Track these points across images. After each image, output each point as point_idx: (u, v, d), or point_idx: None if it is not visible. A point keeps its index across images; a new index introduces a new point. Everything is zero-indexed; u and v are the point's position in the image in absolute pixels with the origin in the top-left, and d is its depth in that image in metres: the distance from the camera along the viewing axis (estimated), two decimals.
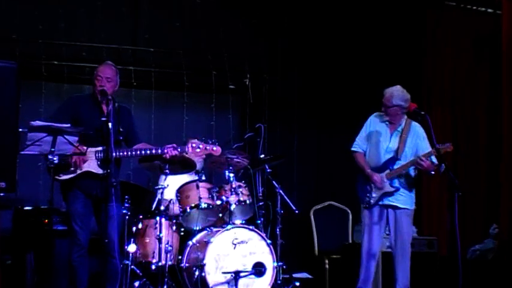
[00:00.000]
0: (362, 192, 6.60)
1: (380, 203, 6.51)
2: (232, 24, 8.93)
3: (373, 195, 6.51)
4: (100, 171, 5.95)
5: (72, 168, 6.00)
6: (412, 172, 6.58)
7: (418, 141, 6.56)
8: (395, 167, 6.50)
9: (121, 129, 5.86)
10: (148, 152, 6.13)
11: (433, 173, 6.45)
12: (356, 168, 6.68)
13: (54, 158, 5.66)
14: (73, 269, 6.06)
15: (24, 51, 8.01)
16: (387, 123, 6.61)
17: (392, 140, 6.58)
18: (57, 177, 5.97)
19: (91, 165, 6.02)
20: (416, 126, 6.62)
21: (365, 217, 6.60)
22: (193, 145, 6.24)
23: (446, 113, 9.26)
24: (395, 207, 6.50)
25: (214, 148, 6.37)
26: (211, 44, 8.80)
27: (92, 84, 6.22)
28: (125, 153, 6.09)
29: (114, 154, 5.72)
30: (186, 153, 6.42)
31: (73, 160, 5.98)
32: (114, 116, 5.76)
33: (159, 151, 6.15)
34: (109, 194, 5.64)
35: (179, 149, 6.20)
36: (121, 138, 5.98)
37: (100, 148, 6.00)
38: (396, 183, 6.50)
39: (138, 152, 6.12)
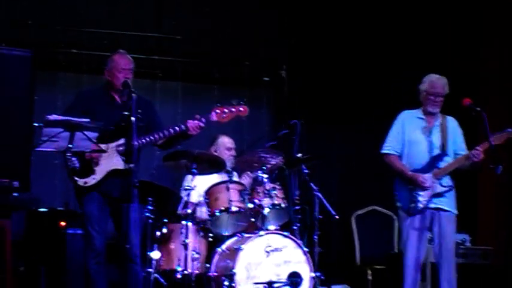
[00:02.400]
0: (404, 199, 6.54)
1: (428, 205, 6.45)
2: (267, 8, 8.90)
3: (420, 198, 6.44)
4: (126, 166, 5.92)
5: (96, 169, 5.99)
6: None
7: (457, 138, 6.58)
8: (442, 164, 6.45)
9: (139, 116, 5.80)
10: (171, 130, 6.10)
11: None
12: (392, 172, 6.63)
13: (75, 162, 5.69)
14: (90, 277, 6.09)
15: (39, 39, 8.05)
16: (424, 118, 6.59)
17: (433, 135, 6.56)
18: (82, 184, 5.99)
19: (114, 162, 6.03)
20: (453, 121, 6.65)
21: (406, 223, 6.54)
22: (218, 111, 6.21)
23: (502, 108, 9.09)
24: (439, 210, 6.46)
25: (241, 109, 6.33)
26: (243, 32, 8.79)
27: (110, 75, 6.20)
28: (147, 139, 6.05)
29: (136, 143, 5.68)
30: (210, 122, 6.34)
31: (90, 159, 6.00)
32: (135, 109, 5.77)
33: (183, 127, 6.11)
34: (131, 194, 5.62)
35: (203, 120, 6.17)
36: (141, 124, 5.95)
37: (121, 141, 6.01)
38: (447, 181, 6.43)
39: (161, 134, 6.09)
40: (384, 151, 6.70)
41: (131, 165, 5.77)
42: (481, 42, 9.23)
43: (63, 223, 7.34)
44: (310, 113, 8.89)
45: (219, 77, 8.68)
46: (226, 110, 6.22)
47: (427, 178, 6.43)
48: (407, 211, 6.51)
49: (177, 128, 6.12)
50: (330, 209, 7.24)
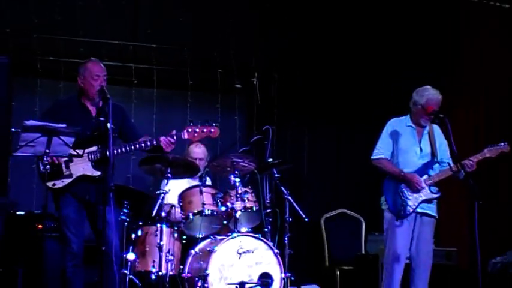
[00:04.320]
0: (394, 203, 6.42)
1: (415, 210, 6.41)
2: (239, 19, 8.93)
3: (409, 203, 6.37)
4: (96, 173, 5.99)
5: (66, 173, 6.02)
6: None
7: (442, 147, 6.51)
8: (432, 172, 6.44)
9: (113, 126, 5.81)
10: (142, 144, 6.17)
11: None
12: (384, 175, 6.52)
13: (47, 166, 5.70)
14: (67, 280, 6.08)
15: (17, 46, 8.04)
16: (413, 127, 6.52)
17: (423, 143, 6.50)
18: (51, 186, 6.00)
19: (85, 168, 6.04)
20: (438, 129, 6.58)
21: (394, 224, 6.42)
22: (189, 130, 6.29)
23: (469, 114, 9.16)
24: (423, 215, 6.44)
25: (212, 130, 6.42)
26: (217, 40, 8.81)
27: (84, 82, 6.14)
28: (120, 149, 6.11)
29: (111, 152, 5.71)
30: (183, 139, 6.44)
31: (64, 164, 6.02)
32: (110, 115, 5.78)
33: (154, 142, 6.19)
34: (106, 198, 5.66)
35: (175, 136, 6.25)
36: (115, 134, 6.00)
37: (93, 149, 6.04)
38: (435, 188, 6.43)
39: (133, 147, 6.15)
40: (374, 156, 6.56)
41: (100, 172, 5.82)
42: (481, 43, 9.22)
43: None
44: (282, 118, 8.98)
45: (192, 84, 8.70)
46: (197, 130, 6.32)
47: (420, 179, 6.38)
48: (396, 214, 6.39)
49: (148, 143, 6.19)
50: (300, 211, 7.27)
